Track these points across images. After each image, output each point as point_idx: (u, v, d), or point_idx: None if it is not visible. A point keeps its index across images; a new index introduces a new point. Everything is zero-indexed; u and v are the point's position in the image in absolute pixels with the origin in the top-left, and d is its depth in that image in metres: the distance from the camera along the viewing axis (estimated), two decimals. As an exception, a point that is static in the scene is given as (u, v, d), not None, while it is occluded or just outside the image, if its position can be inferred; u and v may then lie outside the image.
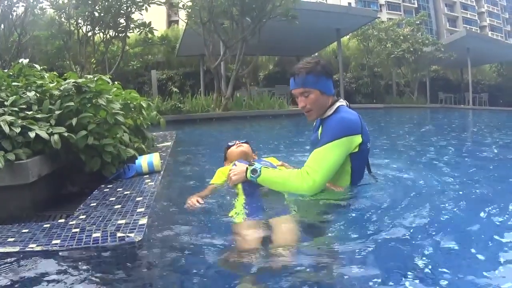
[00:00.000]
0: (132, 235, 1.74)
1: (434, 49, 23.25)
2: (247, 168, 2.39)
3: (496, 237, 1.84)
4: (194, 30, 12.85)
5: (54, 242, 1.67)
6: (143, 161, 3.09)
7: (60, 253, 1.58)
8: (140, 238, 1.71)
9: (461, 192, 2.75)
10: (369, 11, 20.01)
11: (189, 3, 11.96)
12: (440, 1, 74.80)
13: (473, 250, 1.70)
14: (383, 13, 58.48)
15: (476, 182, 3.20)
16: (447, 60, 24.39)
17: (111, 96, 3.13)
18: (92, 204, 2.26)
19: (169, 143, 4.55)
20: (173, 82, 20.86)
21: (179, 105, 12.02)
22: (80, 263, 1.58)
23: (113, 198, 2.39)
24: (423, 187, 2.73)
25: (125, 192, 2.52)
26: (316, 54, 25.07)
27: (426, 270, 1.54)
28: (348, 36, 24.19)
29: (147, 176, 2.97)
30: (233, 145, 2.88)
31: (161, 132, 6.79)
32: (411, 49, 22.59)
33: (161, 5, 11.86)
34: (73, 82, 2.93)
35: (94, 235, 1.75)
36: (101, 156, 2.81)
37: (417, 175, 3.08)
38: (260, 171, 2.33)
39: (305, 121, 2.56)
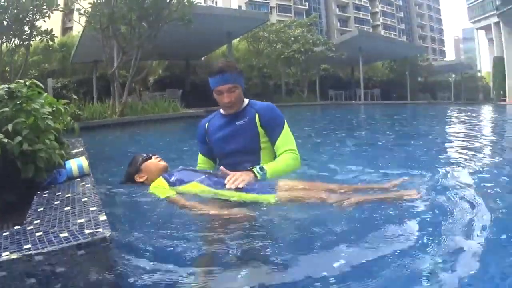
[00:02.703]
0: (100, 230, 1.87)
1: (325, 49, 26.67)
2: (252, 170, 2.80)
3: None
4: (92, 35, 13.82)
5: (26, 247, 1.72)
6: (73, 164, 3.24)
7: (36, 257, 1.64)
8: (110, 233, 1.84)
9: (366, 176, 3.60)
10: (260, 14, 22.33)
11: (90, 9, 12.83)
12: (332, 2, 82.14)
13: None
14: (274, 15, 62.91)
15: (377, 164, 4.32)
16: (338, 58, 27.94)
17: (43, 101, 3.32)
18: (39, 209, 2.34)
19: (81, 149, 4.70)
20: (68, 90, 21.64)
21: (79, 112, 12.52)
22: (58, 264, 1.68)
23: (58, 202, 2.50)
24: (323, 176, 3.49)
25: (67, 195, 2.65)
26: (205, 57, 27.45)
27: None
28: (238, 39, 26.55)
29: (78, 179, 3.14)
30: (149, 158, 3.16)
31: (67, 139, 6.81)
32: (302, 50, 25.68)
33: (64, 11, 12.88)
34: (5, 88, 3.06)
35: (61, 235, 1.84)
36: (34, 162, 2.91)
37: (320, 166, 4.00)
38: (264, 168, 2.84)
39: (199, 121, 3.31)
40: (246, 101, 3.17)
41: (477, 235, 2.26)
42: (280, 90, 27.87)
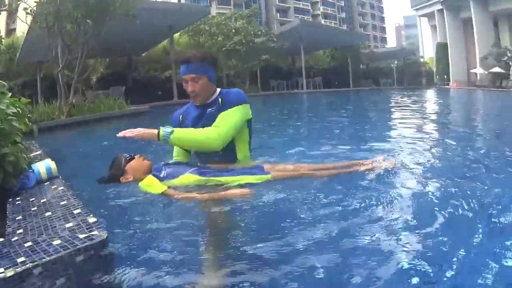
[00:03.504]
0: (96, 232, 1.85)
1: (266, 40, 27.81)
2: (159, 129, 2.89)
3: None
4: (38, 35, 13.91)
5: (20, 260, 1.65)
6: (41, 167, 3.17)
7: (34, 271, 1.58)
8: (106, 235, 1.83)
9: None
10: (201, 7, 22.98)
11: (36, 8, 12.60)
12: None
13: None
14: (213, 8, 63.35)
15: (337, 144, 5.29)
16: (279, 49, 29.09)
17: (8, 101, 3.17)
18: (17, 218, 2.27)
19: (39, 152, 4.55)
20: (13, 93, 20.78)
21: (29, 115, 13.07)
22: (57, 274, 1.65)
23: (35, 208, 2.44)
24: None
25: (42, 200, 2.58)
26: (147, 52, 27.83)
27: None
28: (179, 33, 27.08)
29: (48, 183, 3.07)
30: (132, 158, 3.17)
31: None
32: (243, 41, 26.62)
33: (13, 11, 13.01)
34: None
35: (54, 242, 1.79)
36: (2, 167, 2.83)
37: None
38: (173, 131, 2.91)
39: (148, 119, 4.27)
40: (218, 90, 3.31)
41: (428, 204, 2.73)
42: (221, 83, 28.18)
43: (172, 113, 3.56)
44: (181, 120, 3.37)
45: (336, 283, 1.89)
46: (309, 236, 2.25)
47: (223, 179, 2.90)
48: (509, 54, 39.86)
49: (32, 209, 2.43)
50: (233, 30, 27.71)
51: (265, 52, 30.00)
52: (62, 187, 2.87)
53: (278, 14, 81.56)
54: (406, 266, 1.92)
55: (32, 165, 3.19)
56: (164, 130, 2.90)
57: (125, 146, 4.90)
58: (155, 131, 2.90)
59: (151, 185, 2.90)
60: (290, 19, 66.95)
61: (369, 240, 2.21)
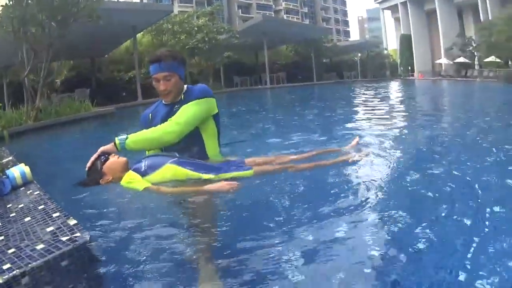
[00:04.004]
0: (78, 234, 1.87)
1: (229, 36, 28.19)
2: (115, 139, 2.98)
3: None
4: (3, 39, 13.76)
5: (5, 267, 1.66)
6: (15, 172, 3.15)
7: (23, 280, 1.60)
8: (89, 236, 1.86)
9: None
10: (164, 6, 23.02)
11: (1, 12, 12.62)
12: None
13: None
14: (175, 7, 63.65)
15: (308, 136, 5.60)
16: (242, 45, 29.79)
17: None
18: None
19: (10, 158, 4.52)
20: None
21: None
22: (43, 279, 1.68)
23: (13, 214, 2.44)
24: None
25: (19, 206, 2.60)
26: (110, 53, 27.86)
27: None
28: (142, 32, 27.20)
29: (23, 188, 3.08)
30: (107, 159, 3.08)
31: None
32: (206, 39, 26.89)
33: None
34: None
35: (38, 247, 1.80)
36: None
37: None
38: (127, 136, 3.01)
39: (114, 120, 4.33)
40: (185, 87, 3.34)
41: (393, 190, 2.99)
42: (184, 81, 27.96)
43: (140, 113, 3.59)
44: (150, 120, 3.38)
45: (313, 274, 2.00)
46: (287, 229, 2.41)
47: (204, 175, 2.93)
48: (474, 44, 41.16)
49: (11, 215, 2.45)
50: (196, 28, 27.92)
51: (228, 49, 30.47)
52: (38, 192, 2.91)
53: (240, 11, 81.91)
54: (377, 254, 2.09)
55: (7, 171, 3.20)
56: (119, 138, 2.99)
57: (96, 148, 4.80)
58: (112, 143, 3.00)
59: (133, 181, 2.89)
60: (252, 15, 67.51)
61: (342, 231, 2.34)
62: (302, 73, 39.84)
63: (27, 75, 14.04)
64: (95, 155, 3.00)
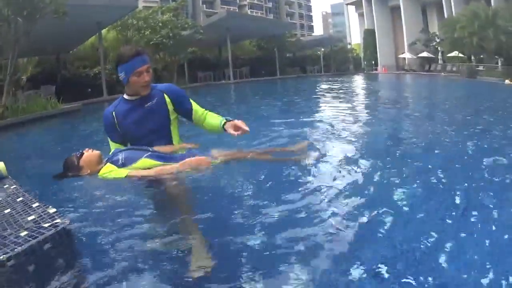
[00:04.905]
0: (59, 220, 1.94)
1: (193, 32, 28.54)
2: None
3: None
4: None
5: None
6: None
7: (8, 263, 1.66)
8: (69, 221, 1.94)
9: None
10: (129, 1, 22.75)
11: None
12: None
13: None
14: (140, 2, 63.22)
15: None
16: (206, 40, 29.98)
17: None
18: None
19: None
20: None
21: None
22: (32, 265, 1.75)
23: None
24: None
25: None
26: (75, 50, 27.83)
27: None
28: (107, 28, 27.04)
29: None
30: (82, 154, 3.17)
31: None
32: (170, 35, 27.19)
33: None
34: None
35: (22, 234, 1.87)
36: None
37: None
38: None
39: (81, 117, 4.67)
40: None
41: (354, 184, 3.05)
42: None
43: (102, 114, 3.55)
44: (116, 120, 3.37)
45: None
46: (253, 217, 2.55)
47: (178, 165, 3.03)
48: (437, 40, 42.35)
49: (-11, 209, 2.46)
50: (160, 24, 28.03)
51: (192, 44, 30.73)
52: (14, 186, 2.95)
53: (204, 6, 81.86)
54: (339, 250, 2.19)
55: None
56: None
57: (66, 146, 5.18)
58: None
59: (112, 172, 2.99)
60: (217, 11, 67.57)
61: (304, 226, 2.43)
62: (266, 67, 40.63)
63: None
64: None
